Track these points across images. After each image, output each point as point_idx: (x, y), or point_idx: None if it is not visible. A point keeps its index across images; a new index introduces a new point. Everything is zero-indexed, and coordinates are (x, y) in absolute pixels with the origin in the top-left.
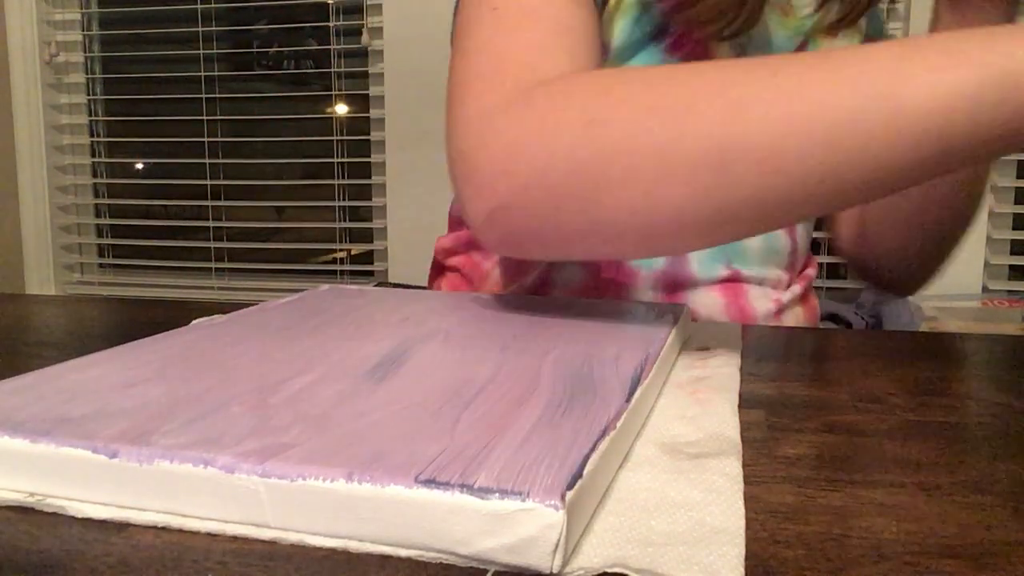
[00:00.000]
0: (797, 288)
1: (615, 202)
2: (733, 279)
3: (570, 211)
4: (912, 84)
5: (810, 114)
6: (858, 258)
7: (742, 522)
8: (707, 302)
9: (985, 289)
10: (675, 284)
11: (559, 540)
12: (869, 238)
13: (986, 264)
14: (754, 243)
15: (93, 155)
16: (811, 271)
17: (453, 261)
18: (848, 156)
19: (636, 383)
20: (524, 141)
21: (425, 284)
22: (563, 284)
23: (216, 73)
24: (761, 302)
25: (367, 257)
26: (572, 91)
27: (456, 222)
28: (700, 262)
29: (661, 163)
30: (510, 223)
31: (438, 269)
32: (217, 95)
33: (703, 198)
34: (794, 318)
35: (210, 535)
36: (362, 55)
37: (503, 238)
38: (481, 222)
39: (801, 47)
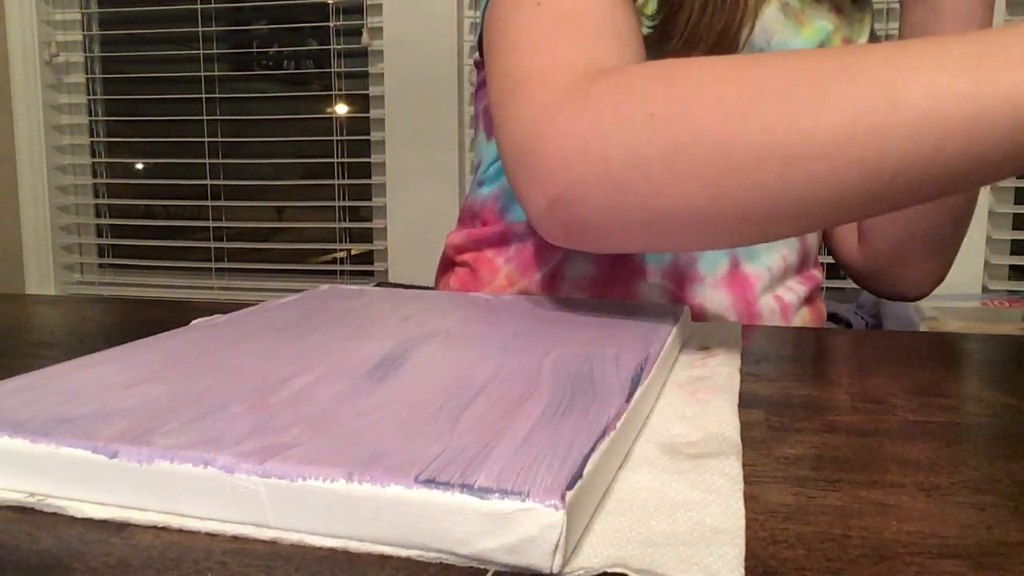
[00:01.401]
0: (802, 289)
1: (676, 197)
2: (737, 269)
3: (631, 205)
4: (993, 85)
5: (882, 109)
6: (860, 266)
7: (742, 522)
8: (714, 298)
9: (985, 289)
10: (683, 277)
11: (559, 540)
12: (869, 243)
13: (986, 264)
14: None
15: (93, 155)
16: (817, 273)
17: (463, 257)
18: (922, 154)
19: (636, 383)
20: (585, 134)
21: (425, 283)
22: (573, 279)
23: (216, 73)
24: (766, 300)
25: (367, 257)
26: (632, 83)
27: (467, 218)
28: (704, 254)
29: (725, 158)
30: (570, 216)
31: (447, 265)
32: (217, 95)
33: (767, 194)
34: (800, 321)
35: (210, 535)
36: (362, 55)
37: (563, 231)
38: (541, 215)
39: None
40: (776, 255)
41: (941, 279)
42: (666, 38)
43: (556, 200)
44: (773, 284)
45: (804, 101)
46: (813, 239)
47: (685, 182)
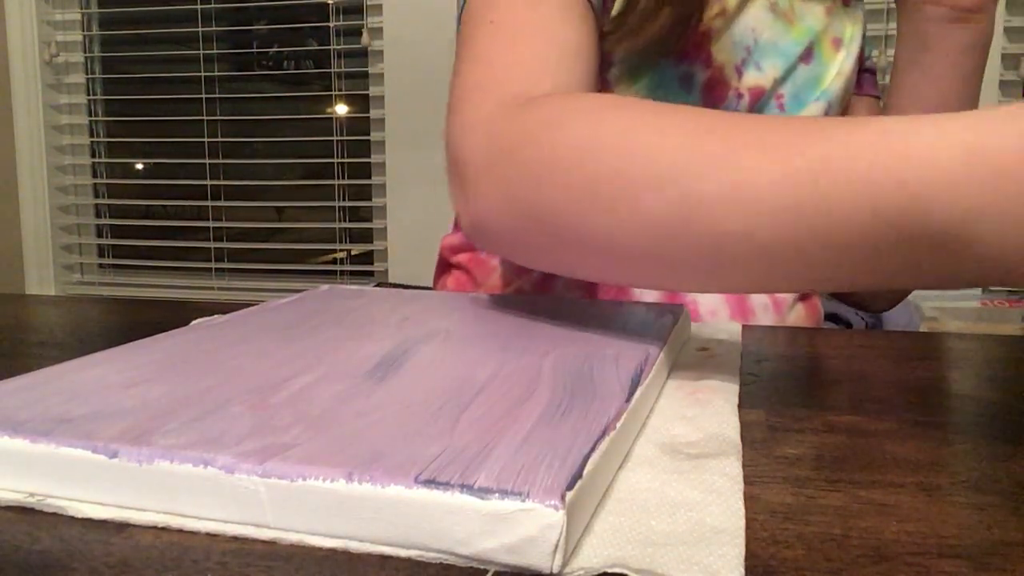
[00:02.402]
0: None
1: (570, 259)
2: None
3: (531, 252)
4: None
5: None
6: None
7: (742, 522)
8: (708, 296)
9: (985, 289)
10: None
11: (559, 540)
12: None
13: None
14: None
15: (93, 155)
16: None
17: (458, 259)
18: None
19: (636, 383)
20: (489, 175)
21: (425, 284)
22: (567, 277)
23: (216, 73)
24: (759, 296)
25: (367, 257)
26: (531, 128)
27: None
28: None
29: (606, 249)
30: (486, 240)
31: (443, 267)
32: (217, 95)
33: (649, 279)
34: (795, 316)
35: (210, 535)
36: (362, 55)
37: (487, 248)
38: (467, 231)
39: (807, 53)
40: None
41: (904, 297)
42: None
43: (474, 226)
44: None
45: (680, 199)
46: None
47: (570, 249)
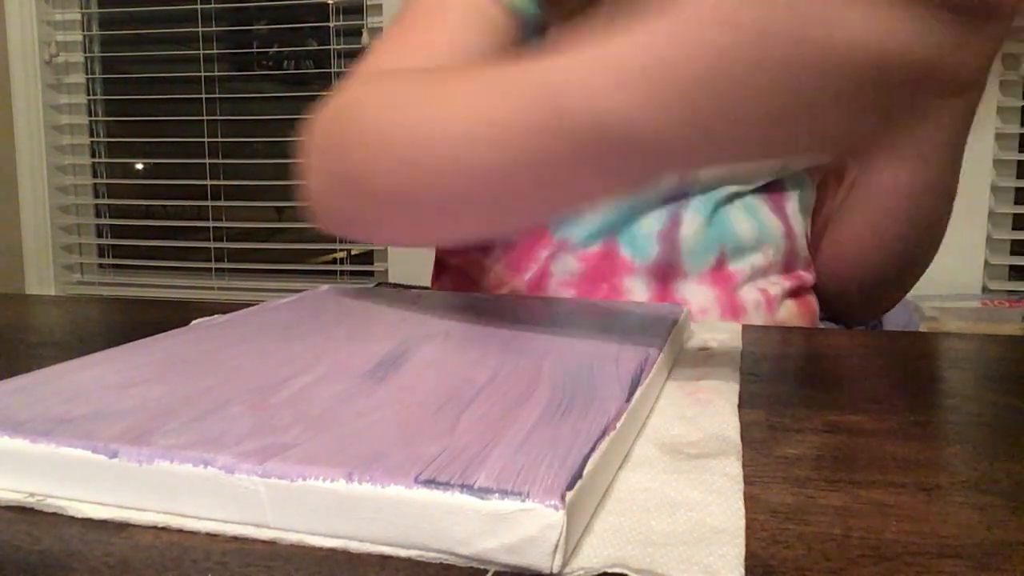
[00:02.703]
0: (787, 284)
1: (376, 221)
2: (722, 266)
3: (349, 223)
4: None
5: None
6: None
7: (742, 522)
8: (698, 292)
9: (985, 289)
10: (667, 274)
11: (559, 540)
12: (821, 268)
13: (986, 264)
14: (744, 226)
15: (93, 155)
16: (807, 275)
17: (454, 260)
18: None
19: (636, 383)
20: (312, 152)
21: (425, 283)
22: (560, 276)
23: (216, 73)
24: (749, 291)
25: (367, 257)
26: (339, 111)
27: None
28: (691, 251)
29: (391, 203)
30: (318, 215)
31: (440, 267)
32: (217, 95)
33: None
34: (787, 312)
35: (210, 535)
36: (362, 55)
37: (321, 224)
38: (308, 212)
39: None
40: (759, 253)
41: (888, 310)
42: None
43: (307, 202)
44: (755, 277)
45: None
46: (801, 242)
47: (377, 207)
